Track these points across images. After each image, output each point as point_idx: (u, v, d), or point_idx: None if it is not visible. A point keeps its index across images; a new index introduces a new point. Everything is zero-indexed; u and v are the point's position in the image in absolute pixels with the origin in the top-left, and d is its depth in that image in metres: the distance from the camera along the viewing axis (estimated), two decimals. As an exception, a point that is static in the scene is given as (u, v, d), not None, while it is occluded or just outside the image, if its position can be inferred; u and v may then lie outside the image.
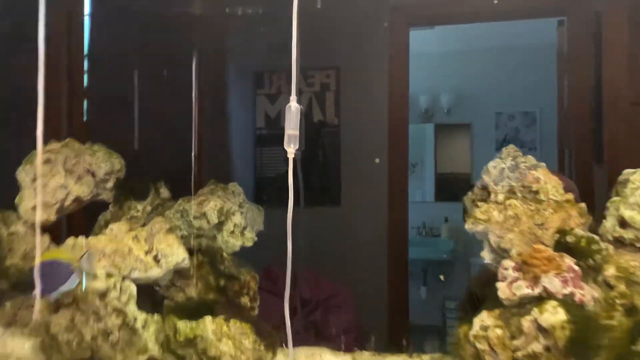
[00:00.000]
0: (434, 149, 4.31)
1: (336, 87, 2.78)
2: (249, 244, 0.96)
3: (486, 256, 0.81)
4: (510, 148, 0.85)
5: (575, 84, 2.52)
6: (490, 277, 0.84)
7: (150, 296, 0.96)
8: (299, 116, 0.68)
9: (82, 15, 1.97)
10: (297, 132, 0.67)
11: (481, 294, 1.08)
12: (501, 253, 0.80)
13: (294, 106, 0.69)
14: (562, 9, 2.52)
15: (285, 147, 0.69)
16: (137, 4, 2.22)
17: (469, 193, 0.87)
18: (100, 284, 0.84)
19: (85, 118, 1.86)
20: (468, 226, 0.81)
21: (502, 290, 0.73)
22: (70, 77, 1.70)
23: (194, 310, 0.88)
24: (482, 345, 0.71)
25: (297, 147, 0.69)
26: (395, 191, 2.67)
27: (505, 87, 3.97)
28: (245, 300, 0.93)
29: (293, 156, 0.68)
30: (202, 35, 2.79)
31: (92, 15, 2.01)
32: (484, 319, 0.73)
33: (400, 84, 2.62)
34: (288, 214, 0.69)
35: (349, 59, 2.70)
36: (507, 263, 0.75)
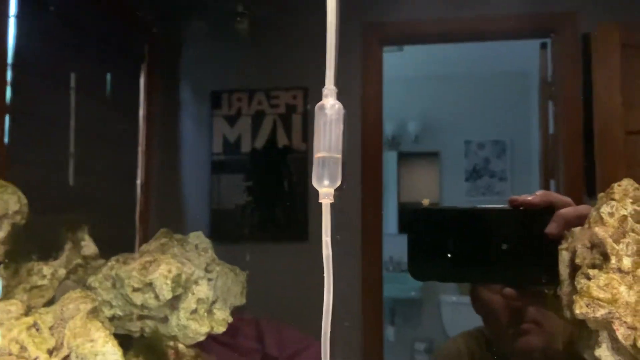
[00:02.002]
0: (396, 179, 4.08)
1: (304, 108, 2.49)
2: (221, 328, 0.62)
3: (606, 357, 0.51)
4: (626, 184, 0.56)
5: (562, 109, 2.35)
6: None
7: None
8: (340, 126, 0.35)
9: (7, 16, 1.63)
10: (339, 155, 0.34)
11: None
12: (636, 354, 0.50)
13: (330, 107, 0.36)
14: (546, 30, 2.36)
15: (315, 184, 0.36)
16: (78, 8, 1.89)
17: (564, 252, 0.57)
18: None
19: (6, 139, 1.54)
20: (579, 311, 0.51)
21: None
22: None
23: None
24: None
25: (336, 182, 0.36)
26: (369, 223, 2.41)
27: (476, 114, 3.80)
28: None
29: (331, 201, 0.35)
30: (153, 48, 2.46)
31: (20, 17, 1.66)
32: None
33: (374, 105, 2.37)
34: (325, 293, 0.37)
35: (318, 79, 2.42)
36: None
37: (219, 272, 0.65)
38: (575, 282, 0.55)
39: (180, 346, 0.60)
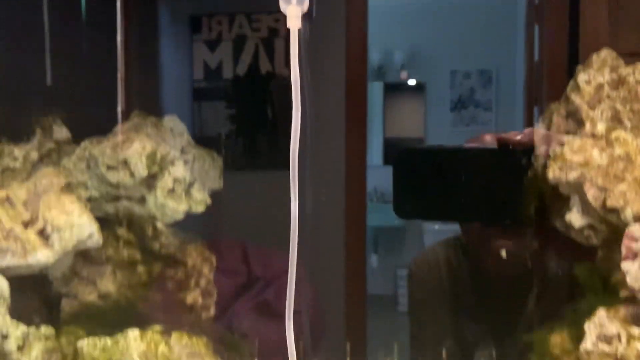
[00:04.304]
0: (382, 109, 4.05)
1: (287, 33, 2.42)
2: (199, 208, 0.62)
3: (576, 220, 0.52)
4: (605, 54, 0.55)
5: (548, 33, 2.31)
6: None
7: (37, 295, 0.60)
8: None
9: None
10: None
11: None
12: (605, 215, 0.51)
13: None
14: (535, -51, 2.28)
15: (282, 5, 0.35)
16: None
17: (539, 122, 0.57)
18: None
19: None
20: (552, 174, 0.52)
21: (635, 276, 0.44)
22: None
23: (111, 317, 0.54)
24: None
25: (304, 2, 0.35)
26: (352, 153, 2.40)
27: (462, 43, 3.74)
28: (194, 295, 0.60)
29: (299, 26, 0.35)
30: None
31: None
32: (605, 323, 0.44)
33: (359, 30, 2.31)
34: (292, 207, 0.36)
35: (300, 1, 2.33)
36: (637, 231, 0.46)
37: (195, 155, 0.64)
38: (550, 151, 0.55)
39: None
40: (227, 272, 1.38)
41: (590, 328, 0.45)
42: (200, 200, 0.63)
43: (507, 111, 3.66)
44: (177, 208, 0.61)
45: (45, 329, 0.52)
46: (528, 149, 0.53)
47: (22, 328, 0.51)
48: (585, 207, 0.52)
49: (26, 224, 0.54)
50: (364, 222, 2.42)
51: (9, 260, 0.52)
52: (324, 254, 2.01)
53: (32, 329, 0.52)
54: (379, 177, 3.56)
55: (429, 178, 0.54)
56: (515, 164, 0.53)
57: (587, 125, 0.53)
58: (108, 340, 0.49)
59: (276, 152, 2.43)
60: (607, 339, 0.44)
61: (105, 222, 0.59)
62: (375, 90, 3.97)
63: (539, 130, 0.56)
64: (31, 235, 0.53)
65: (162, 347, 0.49)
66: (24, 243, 0.53)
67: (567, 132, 0.55)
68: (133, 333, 0.48)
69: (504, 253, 0.56)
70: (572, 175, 0.51)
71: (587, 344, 0.44)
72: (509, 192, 0.53)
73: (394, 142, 3.97)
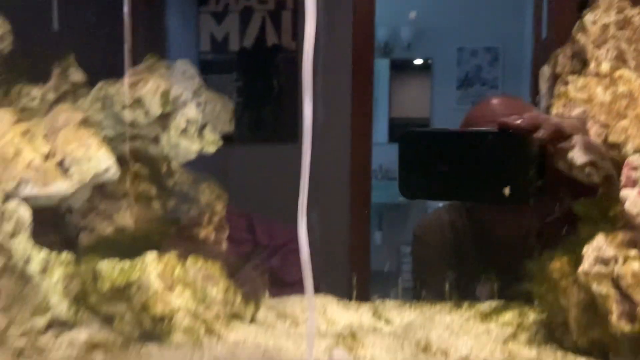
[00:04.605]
0: (388, 86, 4.03)
1: (294, 5, 2.41)
2: (211, 149, 0.64)
3: (578, 157, 0.54)
4: None
5: (556, 7, 2.29)
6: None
7: (56, 229, 0.63)
8: None
9: None
10: None
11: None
12: (606, 151, 0.52)
13: None
14: None
15: None
16: None
17: (545, 66, 0.58)
18: None
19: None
20: (556, 110, 0.53)
21: (633, 201, 0.45)
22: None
23: (128, 248, 0.57)
24: (602, 288, 0.44)
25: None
26: (358, 131, 2.41)
27: (470, 20, 3.71)
28: (207, 231, 0.62)
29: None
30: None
31: None
32: (602, 246, 0.46)
33: (366, 6, 2.30)
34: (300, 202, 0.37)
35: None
36: (637, 160, 0.47)
37: (207, 98, 0.66)
38: (554, 91, 0.56)
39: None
40: (232, 241, 1.40)
41: (589, 252, 0.47)
42: (212, 141, 0.64)
43: (514, 89, 3.65)
44: (190, 148, 0.63)
45: (66, 255, 0.54)
46: (527, 132, 0.55)
47: (44, 253, 0.53)
48: (587, 145, 0.54)
49: (46, 157, 0.56)
50: (369, 199, 2.44)
51: (29, 190, 0.54)
52: (329, 230, 2.03)
53: (53, 255, 0.54)
54: (384, 154, 3.57)
55: (433, 159, 0.56)
56: (514, 146, 0.54)
57: (592, 65, 0.54)
58: (126, 263, 0.51)
59: (281, 125, 2.44)
60: (605, 261, 0.46)
61: (121, 161, 0.61)
62: (381, 67, 3.95)
63: (538, 114, 0.57)
64: (51, 166, 0.55)
65: (178, 270, 0.51)
66: (44, 174, 0.55)
67: (572, 72, 0.56)
68: (151, 255, 0.51)
69: (507, 191, 0.58)
70: (576, 111, 0.53)
71: (585, 265, 0.46)
72: (509, 173, 0.55)
73: (400, 120, 3.97)
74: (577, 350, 0.47)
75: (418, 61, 4.00)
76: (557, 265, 0.49)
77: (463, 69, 3.88)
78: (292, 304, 0.59)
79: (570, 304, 0.47)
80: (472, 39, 3.81)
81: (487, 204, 0.63)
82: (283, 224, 1.64)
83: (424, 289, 1.03)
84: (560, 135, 0.53)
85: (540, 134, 0.53)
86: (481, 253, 0.97)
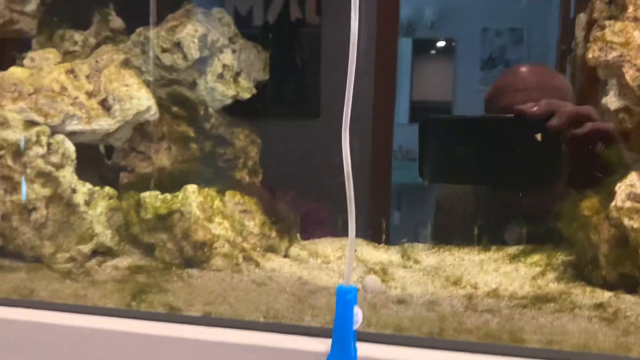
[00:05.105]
0: (410, 66, 4.00)
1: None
2: (246, 95, 0.66)
3: (612, 102, 0.54)
4: None
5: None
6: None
7: (97, 168, 0.65)
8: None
9: None
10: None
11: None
12: None
13: None
14: None
15: None
16: None
17: (581, 14, 0.58)
18: (12, 134, 0.53)
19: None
20: (592, 55, 0.53)
21: None
22: None
23: (167, 187, 0.59)
24: (633, 222, 0.45)
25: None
26: (380, 111, 2.40)
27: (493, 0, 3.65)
28: (241, 174, 0.64)
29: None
30: None
31: None
32: (635, 183, 0.47)
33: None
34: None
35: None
36: None
37: (242, 46, 0.67)
38: (590, 36, 0.56)
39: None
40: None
41: (622, 188, 0.47)
42: (246, 88, 0.66)
43: (538, 70, 3.59)
44: (226, 92, 0.64)
45: (109, 190, 0.57)
46: (543, 119, 0.56)
47: (89, 186, 0.56)
48: (622, 90, 0.54)
49: (89, 95, 0.58)
50: (389, 180, 2.44)
51: (74, 126, 0.56)
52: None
53: (97, 188, 0.56)
54: (405, 135, 3.57)
55: (451, 145, 0.58)
56: (530, 132, 0.56)
57: (630, 9, 0.54)
58: (168, 195, 0.53)
59: (304, 100, 2.45)
60: (637, 197, 0.46)
61: (160, 104, 0.63)
62: (403, 47, 3.92)
63: (554, 101, 0.58)
64: (94, 104, 0.58)
65: (217, 202, 0.53)
66: (88, 110, 0.57)
67: (609, 18, 0.56)
68: (192, 187, 0.53)
69: (539, 137, 0.59)
70: (612, 55, 0.53)
71: (618, 201, 0.47)
72: (526, 158, 0.56)
73: (421, 102, 3.95)
74: (605, 286, 0.48)
75: (441, 41, 3.96)
76: (588, 203, 0.50)
77: (487, 49, 3.83)
78: (324, 245, 0.60)
79: (600, 240, 0.48)
80: (496, 19, 3.75)
81: (504, 188, 0.65)
82: (300, 198, 1.66)
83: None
84: (575, 122, 0.55)
85: (554, 122, 0.55)
86: (504, 221, 0.98)
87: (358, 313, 0.36)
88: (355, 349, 0.36)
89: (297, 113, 2.67)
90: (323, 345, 0.38)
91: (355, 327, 0.36)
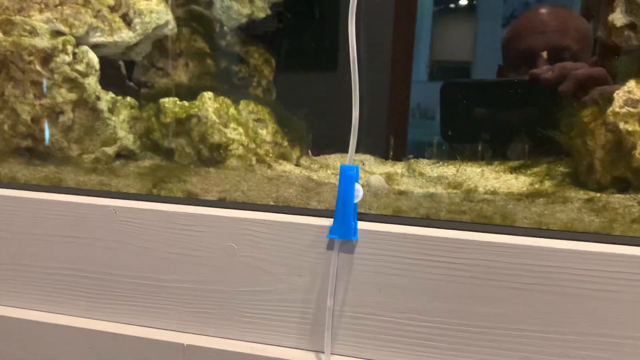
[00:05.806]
0: (430, 22, 3.94)
1: None
2: (261, 14, 0.67)
3: (618, 19, 0.55)
4: None
5: None
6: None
7: (118, 83, 0.68)
8: None
9: None
10: None
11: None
12: None
13: None
14: None
15: None
16: None
17: None
18: (40, 42, 0.56)
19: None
20: None
21: None
22: None
23: (184, 98, 0.62)
24: (629, 126, 0.47)
25: None
26: (398, 69, 2.38)
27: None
28: (256, 92, 0.66)
29: None
30: None
31: None
32: (633, 90, 0.48)
33: None
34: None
35: None
36: None
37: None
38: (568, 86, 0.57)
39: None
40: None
41: (620, 94, 0.49)
42: (261, 8, 0.68)
43: (562, 27, 3.50)
44: (242, 11, 0.66)
45: (130, 100, 0.60)
46: (557, 81, 0.57)
47: (112, 94, 0.59)
48: (629, 7, 0.55)
49: (111, 9, 0.61)
50: (405, 138, 2.45)
51: (98, 38, 0.59)
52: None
53: (120, 98, 0.59)
54: (423, 93, 3.55)
55: (470, 107, 0.62)
56: (544, 95, 0.58)
57: None
58: (185, 102, 0.56)
59: (321, 53, 2.44)
60: (634, 103, 0.48)
61: (177, 23, 0.65)
62: (423, 2, 3.85)
63: (567, 65, 0.59)
64: (116, 17, 0.60)
65: (232, 110, 0.56)
66: (110, 23, 0.60)
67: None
68: (208, 94, 0.55)
69: (544, 54, 0.60)
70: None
71: (615, 106, 0.48)
72: (540, 119, 0.58)
73: (441, 60, 3.91)
74: (599, 190, 0.50)
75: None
76: (588, 111, 0.52)
77: (509, 6, 3.74)
78: (334, 159, 0.63)
79: (596, 145, 0.50)
80: (521, -27, 3.65)
81: (520, 146, 0.69)
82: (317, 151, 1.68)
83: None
84: (589, 75, 0.56)
85: (565, 86, 0.56)
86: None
87: (359, 189, 0.39)
88: (355, 221, 0.39)
89: (314, 66, 2.66)
90: (327, 222, 0.41)
91: (356, 200, 0.39)
